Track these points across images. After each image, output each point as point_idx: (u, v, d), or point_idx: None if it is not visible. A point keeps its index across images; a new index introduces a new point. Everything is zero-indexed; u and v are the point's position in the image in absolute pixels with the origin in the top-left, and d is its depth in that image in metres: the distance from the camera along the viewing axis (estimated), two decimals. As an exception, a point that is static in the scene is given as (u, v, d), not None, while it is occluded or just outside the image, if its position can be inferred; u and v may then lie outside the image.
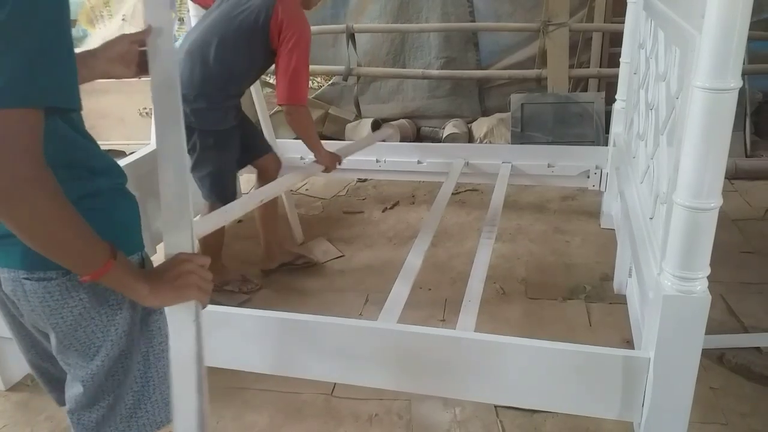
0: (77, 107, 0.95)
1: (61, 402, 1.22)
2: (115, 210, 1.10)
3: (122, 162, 2.51)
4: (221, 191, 2.50)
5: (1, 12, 0.80)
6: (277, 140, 3.07)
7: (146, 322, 1.16)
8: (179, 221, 1.09)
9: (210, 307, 1.85)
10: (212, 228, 2.18)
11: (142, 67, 1.23)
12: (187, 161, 1.15)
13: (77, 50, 0.99)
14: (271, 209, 2.70)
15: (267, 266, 2.81)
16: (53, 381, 1.24)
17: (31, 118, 0.85)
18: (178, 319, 1.08)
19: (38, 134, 0.86)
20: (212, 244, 2.63)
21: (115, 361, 1.14)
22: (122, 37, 1.24)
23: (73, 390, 1.18)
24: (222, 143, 2.40)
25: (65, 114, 0.99)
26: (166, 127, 1.14)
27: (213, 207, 2.49)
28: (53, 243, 0.90)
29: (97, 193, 1.06)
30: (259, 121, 3.12)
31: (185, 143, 1.14)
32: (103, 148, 1.12)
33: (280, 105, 2.37)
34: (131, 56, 1.23)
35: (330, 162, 2.58)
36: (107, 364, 1.14)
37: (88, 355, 1.13)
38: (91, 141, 1.08)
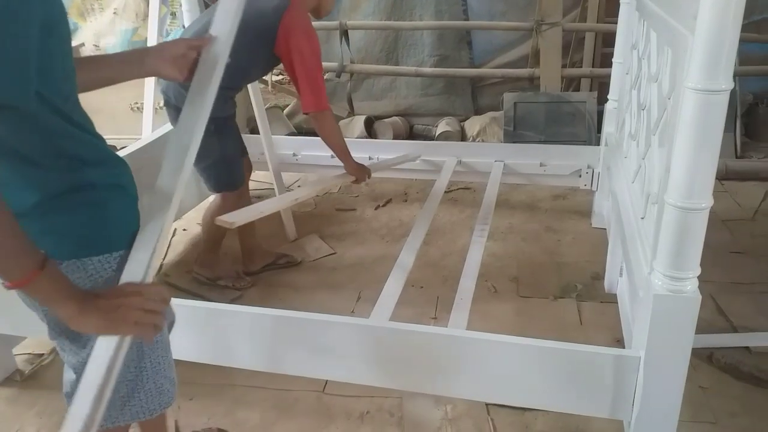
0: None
1: None
2: (108, 206, 1.09)
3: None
4: (229, 179, 2.49)
5: None
6: (272, 136, 3.06)
7: None
8: (149, 235, 1.09)
9: (201, 304, 1.85)
10: (246, 220, 2.18)
11: (193, 74, 1.24)
12: (188, 177, 1.15)
13: (116, 50, 0.98)
14: None
15: (250, 269, 2.81)
16: None
17: None
18: None
19: None
20: (214, 236, 2.62)
21: None
22: (180, 41, 1.25)
23: (68, 375, 1.20)
24: (222, 129, 2.39)
25: (52, 104, 0.97)
26: (183, 135, 1.14)
27: (225, 198, 2.49)
28: None
29: (90, 186, 1.05)
30: (254, 114, 3.10)
31: (193, 158, 1.14)
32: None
33: (306, 113, 2.39)
34: (185, 61, 1.23)
35: (360, 174, 2.59)
36: None
37: (80, 343, 1.13)
38: (89, 132, 1.07)
